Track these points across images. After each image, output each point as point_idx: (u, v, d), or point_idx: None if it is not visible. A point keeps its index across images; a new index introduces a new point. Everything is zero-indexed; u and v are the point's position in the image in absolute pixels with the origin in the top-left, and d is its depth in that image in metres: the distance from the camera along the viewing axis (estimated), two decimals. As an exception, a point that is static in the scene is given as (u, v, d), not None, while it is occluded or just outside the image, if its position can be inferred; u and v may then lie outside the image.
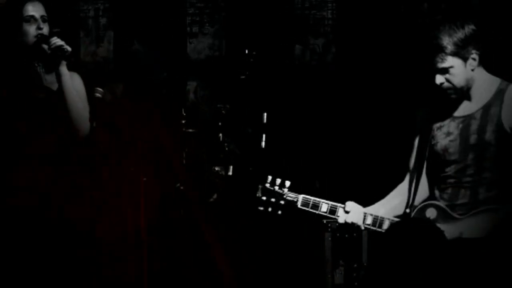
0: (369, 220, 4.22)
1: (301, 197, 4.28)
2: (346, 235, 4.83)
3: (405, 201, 4.27)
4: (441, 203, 4.18)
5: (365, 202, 4.31)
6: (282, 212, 4.29)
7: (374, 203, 4.32)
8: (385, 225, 4.20)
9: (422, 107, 4.33)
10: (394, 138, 5.55)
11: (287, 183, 4.31)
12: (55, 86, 4.59)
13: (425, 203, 4.21)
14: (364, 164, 5.93)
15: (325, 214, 4.25)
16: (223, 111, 5.77)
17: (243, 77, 5.68)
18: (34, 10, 4.55)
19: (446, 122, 4.23)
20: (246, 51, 5.63)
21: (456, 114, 4.22)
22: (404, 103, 5.58)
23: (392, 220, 4.20)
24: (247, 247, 5.67)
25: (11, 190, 4.49)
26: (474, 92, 4.18)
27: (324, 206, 4.25)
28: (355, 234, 4.82)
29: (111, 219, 5.25)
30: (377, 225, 4.21)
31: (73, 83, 4.57)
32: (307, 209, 4.26)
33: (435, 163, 4.25)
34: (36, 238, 4.49)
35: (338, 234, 4.87)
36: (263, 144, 5.46)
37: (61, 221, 4.53)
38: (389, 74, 5.96)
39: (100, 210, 4.96)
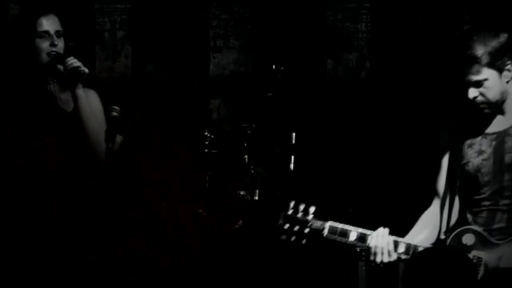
0: (402, 248, 4.04)
1: (327, 224, 4.07)
2: (381, 265, 4.61)
3: (437, 229, 4.13)
4: (479, 228, 4.03)
5: (398, 231, 4.15)
6: (307, 241, 4.10)
7: (407, 229, 4.18)
8: None
9: (450, 123, 4.22)
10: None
11: (312, 209, 4.10)
12: (70, 106, 4.48)
13: (461, 228, 4.04)
14: (404, 187, 5.90)
15: (354, 243, 4.08)
16: (248, 131, 5.66)
17: (270, 94, 5.55)
18: (48, 24, 4.41)
19: (478, 139, 4.09)
20: (274, 66, 5.50)
21: (488, 130, 4.08)
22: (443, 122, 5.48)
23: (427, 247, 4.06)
24: (275, 278, 5.56)
25: (22, 211, 4.37)
26: (508, 106, 4.05)
27: (353, 234, 4.07)
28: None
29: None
30: (410, 253, 4.03)
31: (90, 103, 4.47)
32: (334, 237, 4.07)
33: (466, 185, 4.10)
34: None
35: (372, 263, 4.64)
36: (291, 166, 5.28)
37: (75, 249, 4.40)
38: (427, 91, 5.93)
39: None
